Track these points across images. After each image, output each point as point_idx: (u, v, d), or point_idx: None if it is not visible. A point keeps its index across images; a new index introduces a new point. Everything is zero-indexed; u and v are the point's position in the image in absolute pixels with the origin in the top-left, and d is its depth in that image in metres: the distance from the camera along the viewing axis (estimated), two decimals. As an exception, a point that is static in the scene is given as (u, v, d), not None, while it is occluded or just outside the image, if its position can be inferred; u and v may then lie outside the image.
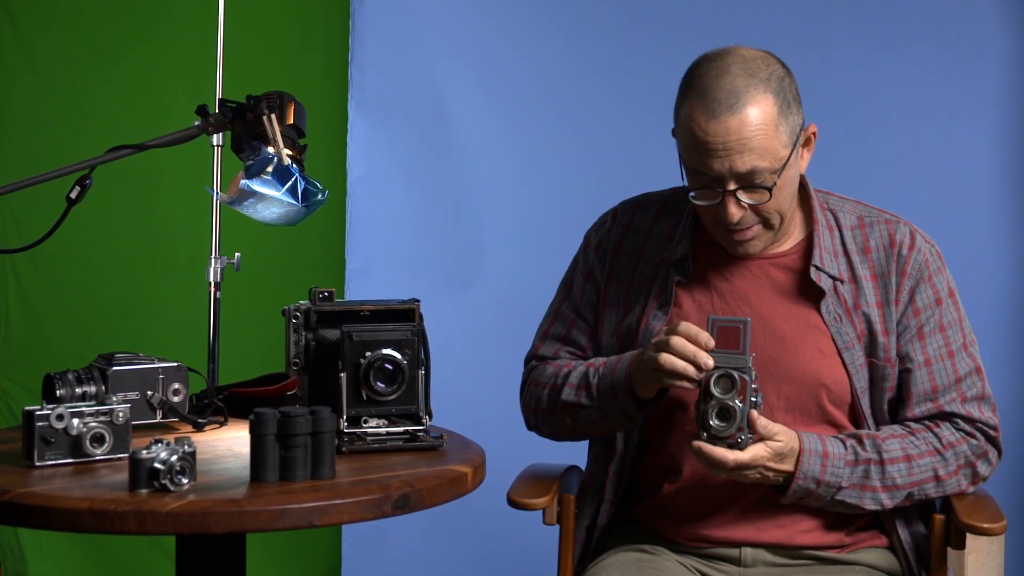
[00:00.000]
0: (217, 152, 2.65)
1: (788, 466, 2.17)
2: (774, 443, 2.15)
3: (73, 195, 2.29)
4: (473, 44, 3.67)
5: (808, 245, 2.29)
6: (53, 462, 2.06)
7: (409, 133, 3.71)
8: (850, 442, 2.21)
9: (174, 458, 1.91)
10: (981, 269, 3.45)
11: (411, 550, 3.70)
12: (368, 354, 2.17)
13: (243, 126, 2.44)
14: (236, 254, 2.65)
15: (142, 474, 1.91)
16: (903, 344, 2.26)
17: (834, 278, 2.26)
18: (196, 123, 2.43)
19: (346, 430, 2.16)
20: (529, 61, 3.67)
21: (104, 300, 4.00)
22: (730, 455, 2.11)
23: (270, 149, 2.42)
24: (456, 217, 3.73)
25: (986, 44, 3.52)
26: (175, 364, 2.32)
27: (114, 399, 2.14)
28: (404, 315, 2.29)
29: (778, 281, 2.29)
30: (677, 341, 2.12)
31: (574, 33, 3.66)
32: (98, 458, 2.08)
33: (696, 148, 2.16)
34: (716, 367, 2.11)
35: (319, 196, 2.43)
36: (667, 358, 2.12)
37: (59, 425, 2.06)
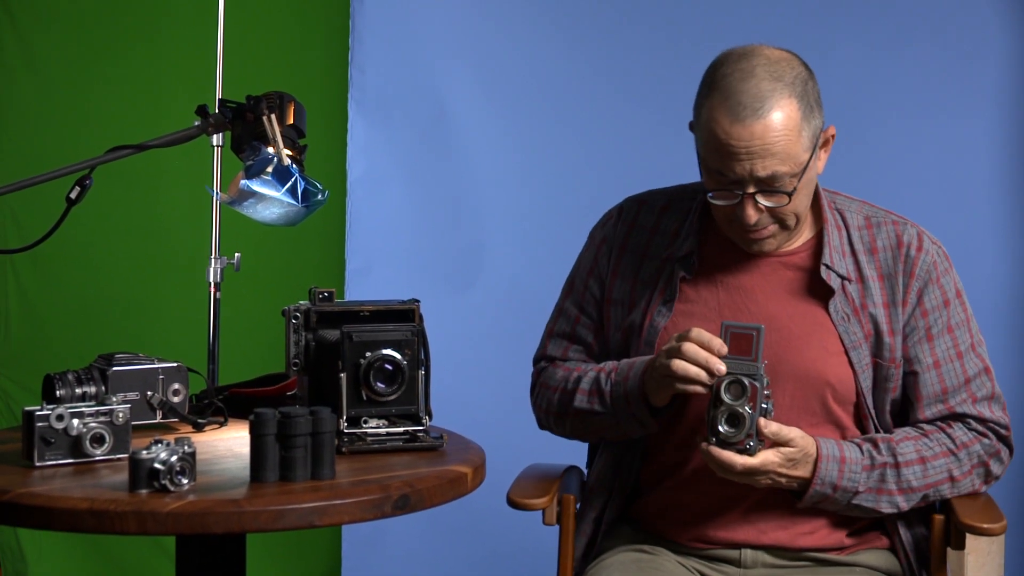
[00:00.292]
0: (217, 152, 2.65)
1: (802, 472, 2.17)
2: (787, 449, 2.15)
3: (73, 195, 2.29)
4: (473, 44, 3.67)
5: (817, 244, 2.29)
6: (53, 462, 2.06)
7: (409, 133, 3.71)
8: (866, 446, 2.21)
9: (174, 458, 1.91)
10: (981, 269, 3.45)
11: (411, 550, 3.70)
12: (368, 354, 2.17)
13: (243, 126, 2.44)
14: (236, 254, 2.65)
15: (142, 474, 1.91)
16: (911, 346, 2.26)
17: (842, 277, 2.27)
18: (196, 123, 2.43)
19: (346, 430, 2.16)
20: (529, 61, 3.67)
21: (104, 300, 4.00)
22: (738, 459, 2.11)
23: (270, 149, 2.42)
24: (456, 217, 3.72)
25: (986, 44, 3.52)
26: (175, 364, 2.32)
27: (114, 399, 2.14)
28: (404, 315, 2.29)
29: (786, 279, 2.29)
30: (689, 347, 2.12)
31: (574, 33, 3.66)
32: (98, 458, 2.08)
33: (718, 150, 2.15)
34: (728, 373, 2.11)
35: (319, 196, 2.43)
36: (679, 364, 2.12)
37: (59, 425, 2.06)
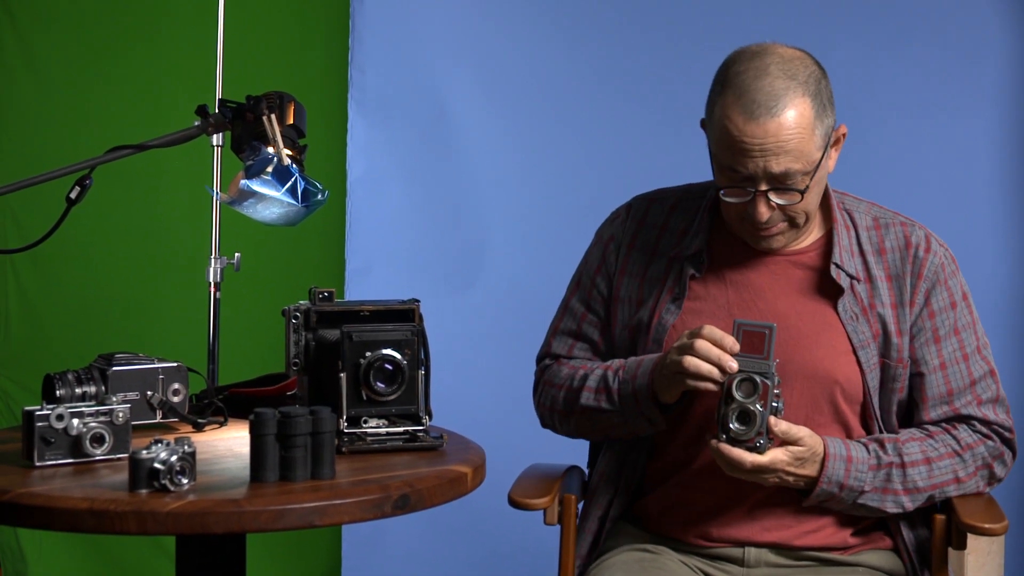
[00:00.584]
0: (217, 152, 2.65)
1: (810, 471, 2.18)
2: (796, 448, 2.15)
3: (73, 195, 2.29)
4: (473, 44, 3.67)
5: (827, 243, 2.30)
6: (53, 462, 2.06)
7: (409, 133, 3.71)
8: (872, 446, 2.22)
9: (174, 458, 1.91)
10: (981, 269, 3.45)
11: (411, 550, 3.70)
12: (368, 354, 2.16)
13: (243, 126, 2.44)
14: (236, 254, 2.65)
15: (142, 474, 1.91)
16: (917, 347, 2.26)
17: (852, 277, 2.27)
18: (196, 123, 2.43)
19: (346, 430, 2.16)
20: (529, 61, 3.67)
21: (104, 300, 4.00)
22: (748, 457, 2.11)
23: (270, 149, 2.42)
24: (456, 217, 3.72)
25: (986, 44, 3.52)
26: (175, 364, 2.32)
27: (114, 399, 2.14)
28: (404, 315, 2.29)
29: (795, 278, 2.29)
30: (701, 344, 2.12)
31: (574, 33, 3.66)
32: (98, 458, 2.07)
33: (731, 147, 2.16)
34: (739, 371, 2.11)
35: (319, 196, 2.43)
36: (691, 361, 2.13)
37: (59, 425, 2.06)
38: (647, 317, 2.32)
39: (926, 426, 2.27)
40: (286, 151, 2.41)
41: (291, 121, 2.44)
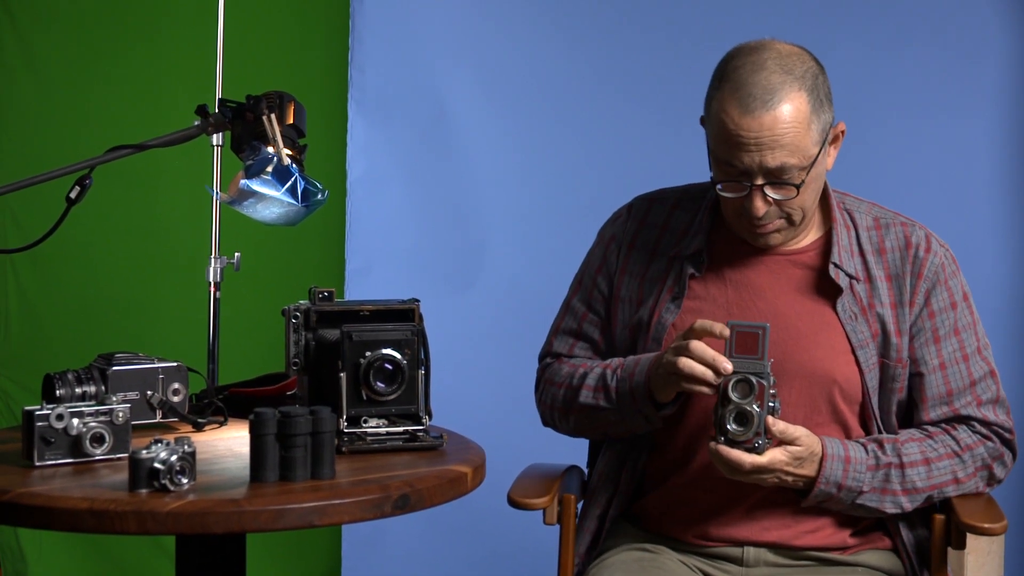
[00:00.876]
0: (217, 152, 2.65)
1: (808, 471, 2.18)
2: (793, 448, 2.15)
3: (73, 195, 2.29)
4: (473, 44, 3.67)
5: (826, 243, 2.30)
6: (53, 462, 2.06)
7: (409, 133, 3.71)
8: (871, 446, 2.22)
9: (174, 458, 1.91)
10: (981, 269, 3.45)
11: (411, 550, 3.70)
12: (368, 354, 2.17)
13: (243, 126, 2.44)
14: (236, 254, 2.65)
15: (142, 474, 1.91)
16: (917, 347, 2.27)
17: (851, 276, 2.27)
18: (196, 123, 2.43)
19: (346, 430, 2.16)
20: (529, 61, 3.67)
21: (104, 300, 4.00)
22: (747, 458, 2.11)
23: (270, 149, 2.42)
24: (456, 217, 3.73)
25: (986, 44, 3.52)
26: (175, 364, 2.32)
27: (114, 399, 2.14)
28: (404, 315, 2.29)
29: (795, 277, 2.29)
30: (696, 345, 2.13)
31: (574, 33, 3.66)
32: (98, 458, 2.07)
33: (727, 141, 2.16)
34: (735, 372, 2.11)
35: (319, 196, 2.43)
36: (686, 362, 2.13)
37: (59, 425, 2.06)
38: (647, 316, 2.32)
39: (925, 427, 2.27)
40: (286, 151, 2.41)
41: (291, 121, 2.44)
